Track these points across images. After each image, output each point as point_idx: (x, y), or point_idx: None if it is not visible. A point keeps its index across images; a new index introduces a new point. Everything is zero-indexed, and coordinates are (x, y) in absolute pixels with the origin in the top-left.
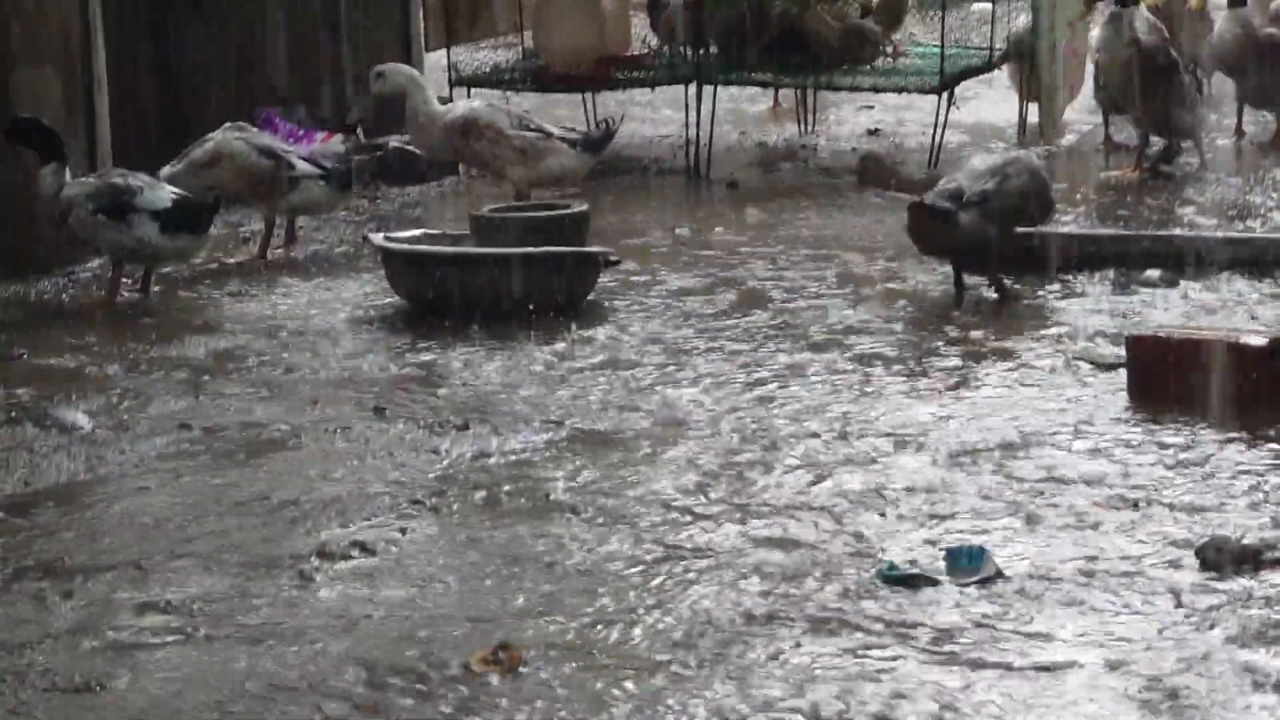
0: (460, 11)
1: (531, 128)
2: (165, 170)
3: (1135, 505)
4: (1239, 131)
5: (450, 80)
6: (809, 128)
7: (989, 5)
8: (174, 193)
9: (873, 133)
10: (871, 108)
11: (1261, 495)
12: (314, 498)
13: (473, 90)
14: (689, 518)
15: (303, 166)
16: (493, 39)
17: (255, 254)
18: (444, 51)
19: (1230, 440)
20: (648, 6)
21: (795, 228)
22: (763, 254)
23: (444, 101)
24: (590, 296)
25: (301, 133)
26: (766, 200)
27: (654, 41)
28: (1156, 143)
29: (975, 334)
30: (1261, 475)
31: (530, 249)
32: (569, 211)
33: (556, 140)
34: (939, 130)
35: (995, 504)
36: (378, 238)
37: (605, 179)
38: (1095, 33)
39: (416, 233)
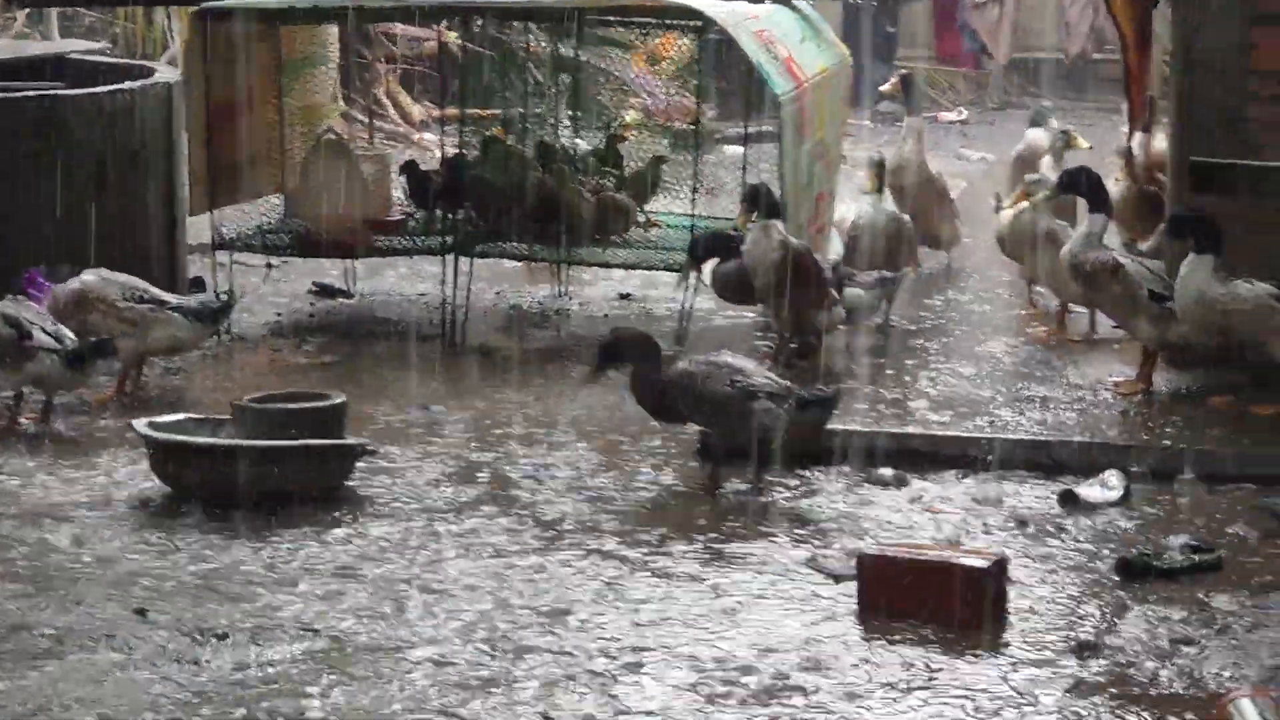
0: (225, 173)
1: (145, 299)
2: None
3: None
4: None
5: (214, 243)
6: (563, 289)
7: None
8: None
9: (624, 297)
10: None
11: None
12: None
13: (234, 254)
14: None
15: (40, 338)
16: (257, 201)
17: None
18: (208, 213)
19: (955, 660)
20: (406, 173)
21: (547, 404)
22: (515, 435)
23: None
24: (349, 481)
25: None
26: (521, 371)
27: (413, 207)
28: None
29: (716, 534)
30: (982, 699)
31: (287, 442)
32: (328, 404)
33: (170, 311)
34: (686, 307)
35: None
36: (140, 423)
37: (361, 345)
38: (748, 235)
39: (179, 417)
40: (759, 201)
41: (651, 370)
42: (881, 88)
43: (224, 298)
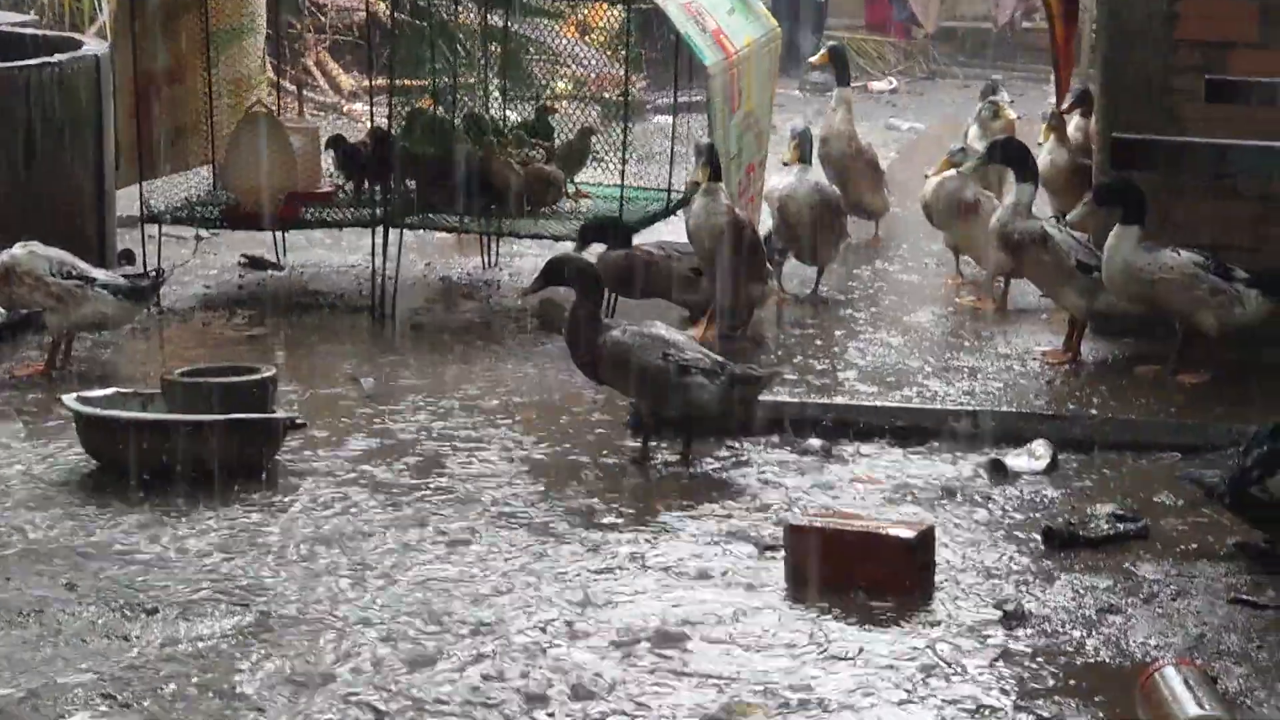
0: (154, 146)
1: (73, 274)
2: None
3: (787, 704)
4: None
5: (142, 216)
6: (492, 261)
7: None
8: None
9: None
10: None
11: (909, 691)
12: (10, 696)
13: (164, 226)
14: (370, 715)
15: None
16: (186, 173)
17: None
18: (137, 185)
19: (882, 630)
20: (333, 146)
21: (477, 377)
22: (444, 409)
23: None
24: (278, 456)
25: None
26: (451, 344)
27: (342, 179)
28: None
29: (645, 504)
30: (910, 669)
31: (216, 415)
32: (258, 377)
33: (98, 288)
34: None
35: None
36: (69, 398)
37: (291, 317)
38: (695, 200)
39: (109, 392)
40: (709, 162)
41: (592, 307)
42: (810, 59)
43: (153, 274)
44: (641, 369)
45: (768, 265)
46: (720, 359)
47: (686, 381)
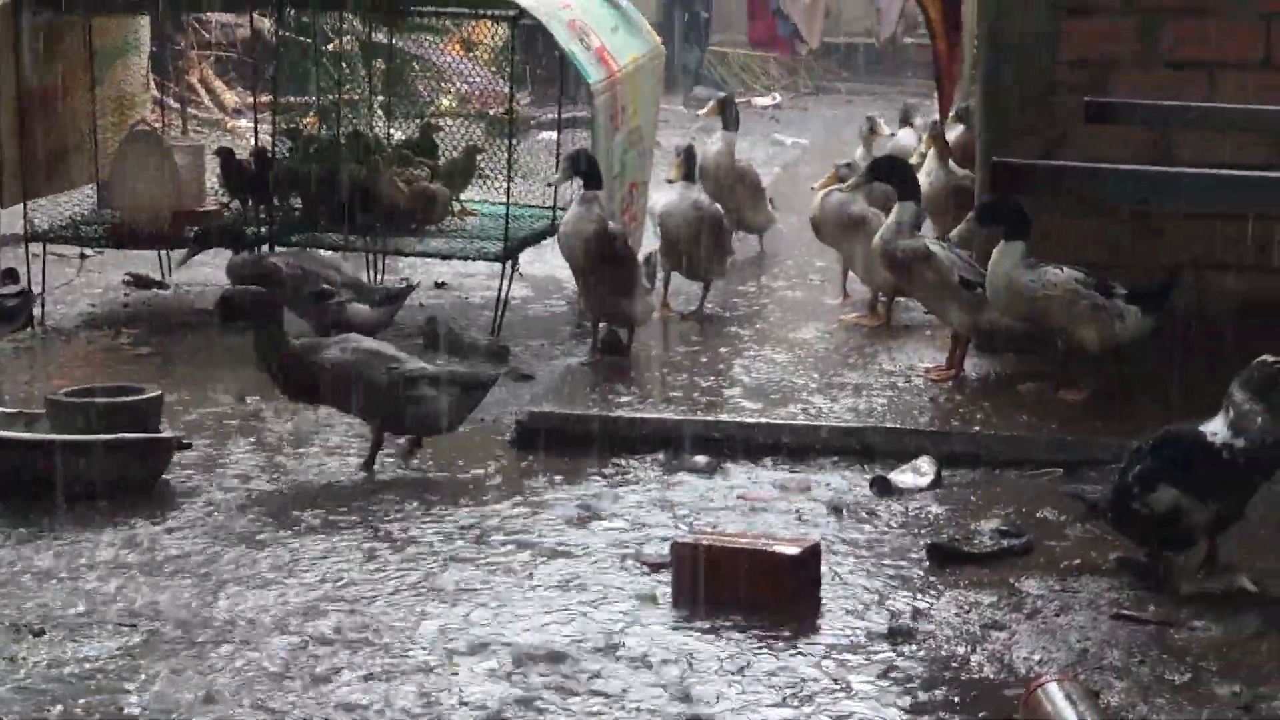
0: (38, 164)
1: None
2: None
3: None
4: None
5: (26, 235)
6: (379, 278)
7: (554, 134)
8: None
9: (440, 285)
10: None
11: (795, 708)
12: None
13: (48, 245)
14: None
15: None
16: (71, 191)
17: None
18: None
19: (769, 647)
20: (221, 158)
21: None
22: (324, 427)
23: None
24: (165, 475)
25: None
26: None
27: (226, 197)
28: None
29: (532, 522)
30: (796, 685)
31: (101, 436)
32: (144, 396)
33: None
34: (502, 297)
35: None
36: None
37: (177, 336)
38: (570, 209)
39: None
40: (582, 169)
41: (276, 331)
42: (700, 111)
43: (20, 294)
44: (369, 385)
45: (644, 282)
46: (449, 368)
47: (416, 394)
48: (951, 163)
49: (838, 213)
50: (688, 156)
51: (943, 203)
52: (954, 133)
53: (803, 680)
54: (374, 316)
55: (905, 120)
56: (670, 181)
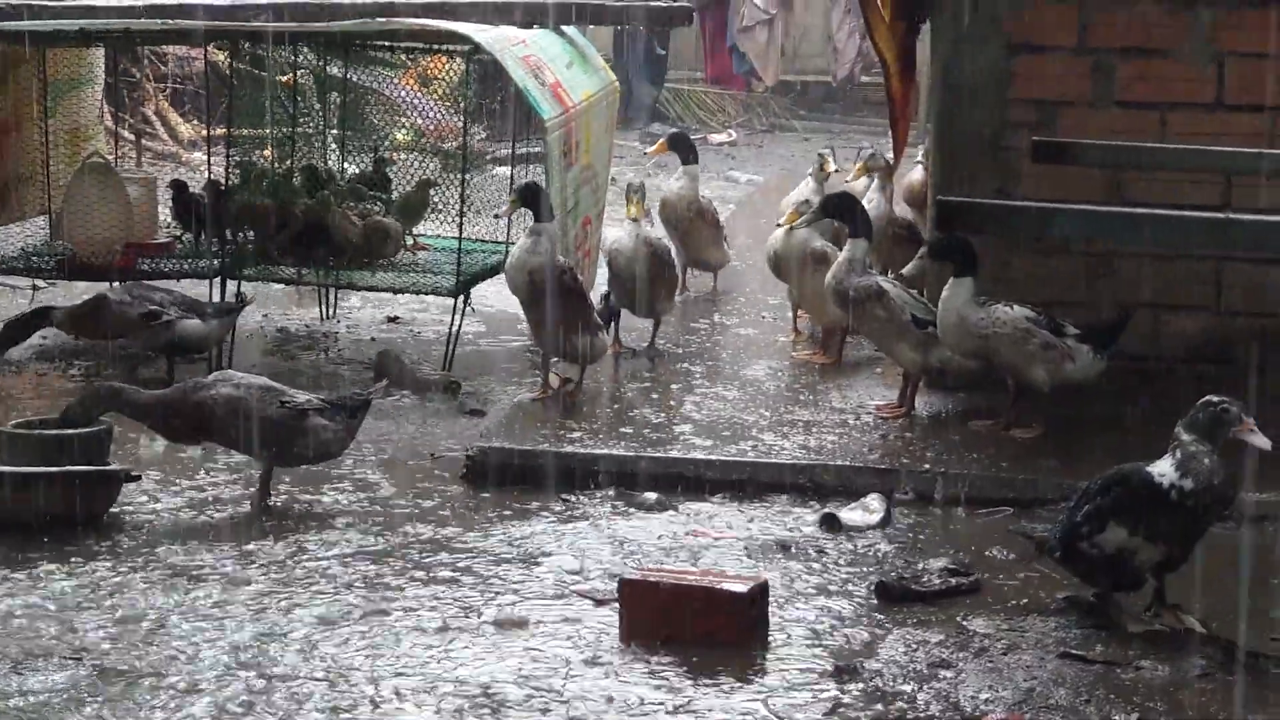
0: None
1: None
2: None
3: None
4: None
5: None
6: (330, 312)
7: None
8: None
9: (392, 320)
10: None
11: None
12: None
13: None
14: None
15: None
16: (23, 223)
17: None
18: None
19: (715, 685)
20: (174, 190)
21: None
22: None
23: None
24: (114, 508)
25: None
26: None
27: (179, 230)
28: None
29: (480, 564)
30: (744, 716)
31: (50, 468)
32: (93, 429)
33: None
34: (454, 332)
35: None
36: None
37: (128, 368)
38: (519, 242)
39: None
40: (532, 201)
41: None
42: (648, 150)
43: None
44: (263, 420)
45: (595, 317)
46: (334, 396)
47: (309, 425)
48: (893, 195)
49: (800, 248)
50: (640, 193)
51: (879, 238)
52: (915, 173)
53: (749, 718)
54: (205, 330)
55: (869, 169)
56: (634, 220)
